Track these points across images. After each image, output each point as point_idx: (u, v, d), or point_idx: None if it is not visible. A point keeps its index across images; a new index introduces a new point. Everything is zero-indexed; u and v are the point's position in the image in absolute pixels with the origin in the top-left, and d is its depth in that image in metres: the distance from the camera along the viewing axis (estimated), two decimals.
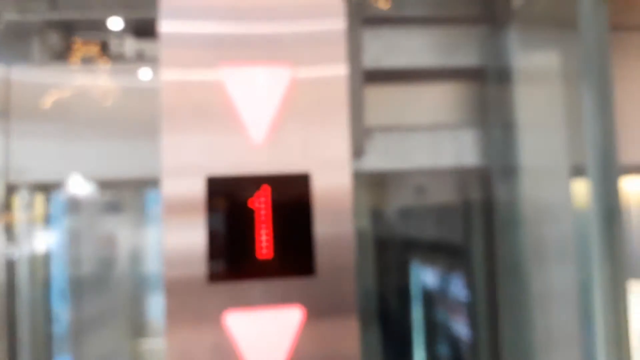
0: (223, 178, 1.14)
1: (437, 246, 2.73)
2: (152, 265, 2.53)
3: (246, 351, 1.12)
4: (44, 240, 2.15)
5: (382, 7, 2.12)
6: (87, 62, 1.93)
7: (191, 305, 1.12)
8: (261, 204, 1.15)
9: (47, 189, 2.07)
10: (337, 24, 1.21)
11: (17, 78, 1.86)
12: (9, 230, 2.00)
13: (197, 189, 1.14)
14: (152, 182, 1.99)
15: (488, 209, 2.30)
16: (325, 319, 1.15)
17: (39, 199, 2.12)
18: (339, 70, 1.20)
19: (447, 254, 2.67)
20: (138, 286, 2.49)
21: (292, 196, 1.16)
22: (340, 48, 1.20)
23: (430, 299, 2.80)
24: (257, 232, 1.15)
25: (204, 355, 1.11)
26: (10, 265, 2.00)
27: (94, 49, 1.92)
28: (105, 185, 2.11)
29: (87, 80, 1.92)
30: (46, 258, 2.15)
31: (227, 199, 1.14)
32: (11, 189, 1.91)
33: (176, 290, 1.12)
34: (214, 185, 1.14)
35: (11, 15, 1.83)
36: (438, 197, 2.58)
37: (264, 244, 1.15)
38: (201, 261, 1.12)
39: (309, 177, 1.17)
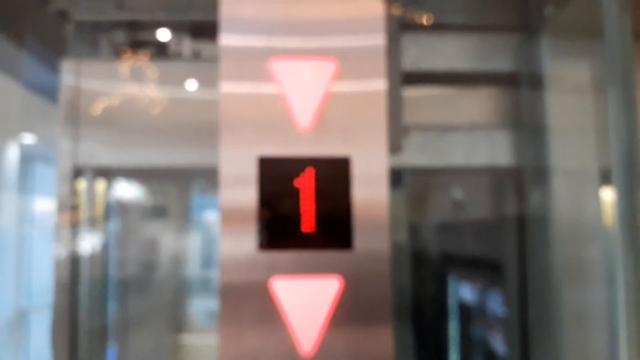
0: (273, 158, 1.28)
1: (474, 260, 2.78)
2: (194, 269, 2.69)
3: (289, 313, 1.24)
4: (101, 239, 2.26)
5: (425, 23, 2.23)
6: (137, 71, 2.06)
7: (242, 271, 1.25)
8: (306, 182, 1.28)
9: (108, 175, 2.22)
10: (378, 39, 1.33)
11: (86, 73, 2.03)
12: (74, 228, 2.11)
13: (250, 168, 1.27)
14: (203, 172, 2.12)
15: (521, 218, 2.35)
16: (361, 288, 1.26)
17: (99, 194, 2.24)
18: (379, 72, 1.32)
19: (486, 269, 2.71)
20: (180, 288, 2.64)
21: (334, 177, 1.29)
22: (381, 58, 1.32)
23: (465, 310, 2.84)
24: (302, 208, 1.27)
25: (252, 315, 1.24)
26: (75, 262, 2.10)
27: (143, 58, 2.07)
28: (156, 173, 2.25)
29: (138, 89, 2.06)
30: (103, 256, 2.26)
31: (276, 176, 1.28)
32: (78, 173, 2.06)
33: (230, 256, 1.25)
34: (264, 164, 1.27)
35: (81, 16, 2.03)
36: (473, 203, 2.66)
37: (308, 219, 1.27)
38: (252, 231, 1.26)
39: (349, 161, 1.29)
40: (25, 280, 3.95)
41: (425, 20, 2.22)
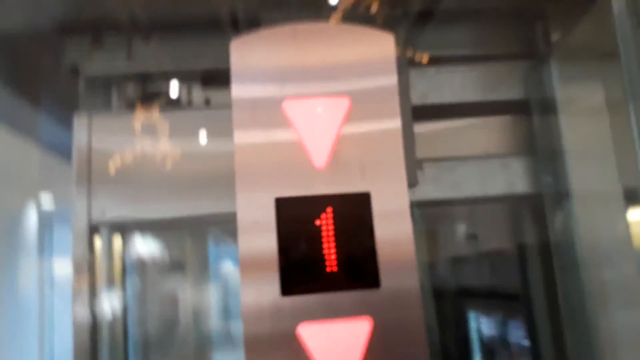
0: (290, 198, 1.25)
1: (494, 294, 2.70)
2: (216, 322, 2.64)
3: None
4: (119, 298, 2.22)
5: (426, 62, 2.24)
6: (148, 123, 2.07)
7: (266, 319, 1.20)
8: (326, 221, 1.24)
9: (124, 232, 2.20)
10: (390, 79, 1.32)
11: (97, 127, 2.04)
12: (92, 288, 2.08)
13: (268, 212, 1.24)
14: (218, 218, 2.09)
15: (544, 245, 2.29)
16: (393, 328, 1.21)
17: (116, 251, 2.22)
18: (393, 110, 1.30)
19: (505, 300, 2.63)
20: (203, 341, 2.59)
21: (355, 213, 1.25)
22: (394, 97, 1.31)
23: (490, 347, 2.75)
24: (324, 247, 1.23)
25: None
26: (94, 323, 2.07)
27: (154, 110, 2.08)
28: (170, 224, 2.23)
29: (150, 141, 2.06)
30: (123, 314, 2.23)
31: (294, 217, 1.24)
32: (93, 231, 2.05)
33: (252, 305, 1.20)
34: (282, 204, 1.24)
35: (93, 70, 2.06)
36: (491, 234, 2.61)
37: (331, 259, 1.23)
38: (274, 278, 1.21)
39: (369, 196, 1.25)
40: (47, 344, 3.91)
41: (425, 60, 2.22)
